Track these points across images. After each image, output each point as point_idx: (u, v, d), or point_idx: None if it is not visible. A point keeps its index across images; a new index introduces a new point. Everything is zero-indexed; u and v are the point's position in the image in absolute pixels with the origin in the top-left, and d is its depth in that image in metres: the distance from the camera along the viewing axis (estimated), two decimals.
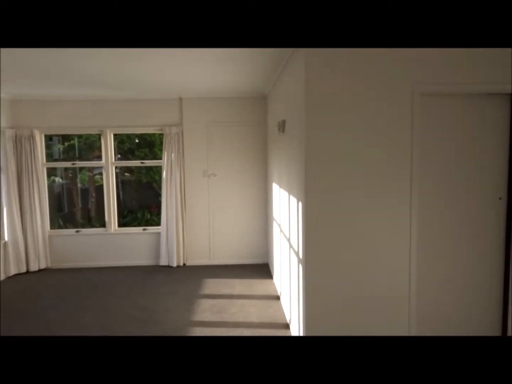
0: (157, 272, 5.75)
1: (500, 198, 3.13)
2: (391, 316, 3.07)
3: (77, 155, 6.45)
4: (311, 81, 2.90)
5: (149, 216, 6.67)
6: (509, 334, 3.19)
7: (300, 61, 3.07)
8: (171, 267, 5.97)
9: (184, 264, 6.09)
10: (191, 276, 5.54)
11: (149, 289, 5.04)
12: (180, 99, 5.93)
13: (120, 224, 6.33)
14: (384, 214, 3.00)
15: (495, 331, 3.26)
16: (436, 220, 3.12)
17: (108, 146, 6.06)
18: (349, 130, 2.93)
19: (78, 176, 6.61)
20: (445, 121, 3.06)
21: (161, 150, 6.16)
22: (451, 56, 2.93)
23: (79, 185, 6.68)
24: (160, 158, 6.16)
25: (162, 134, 6.05)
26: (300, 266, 3.22)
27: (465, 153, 3.09)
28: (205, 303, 4.50)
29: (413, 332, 3.09)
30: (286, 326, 3.87)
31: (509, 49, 2.91)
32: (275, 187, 4.96)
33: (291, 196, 3.69)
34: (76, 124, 5.95)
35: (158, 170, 6.44)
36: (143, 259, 6.16)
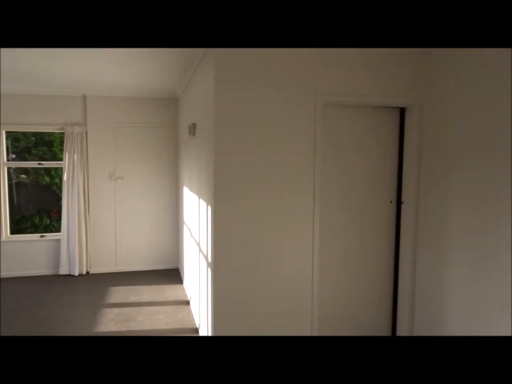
0: (56, 282, 5.32)
1: (390, 202, 3.45)
2: (295, 316, 3.20)
3: None
4: (221, 84, 2.92)
5: (48, 222, 6.16)
6: (398, 333, 3.51)
7: (210, 64, 3.08)
8: (73, 276, 5.57)
9: (87, 272, 5.72)
10: (95, 284, 5.22)
11: (47, 300, 4.64)
12: (84, 96, 5.58)
13: (14, 231, 5.75)
14: (290, 218, 3.12)
15: (387, 329, 3.57)
16: (335, 222, 3.33)
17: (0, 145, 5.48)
18: (257, 135, 3.00)
19: None
20: (344, 130, 3.29)
21: (61, 150, 5.73)
22: (350, 70, 3.15)
23: None
24: (61, 159, 5.72)
25: (63, 133, 5.62)
26: (209, 270, 3.21)
27: (362, 160, 3.35)
28: (110, 313, 4.27)
29: (315, 331, 3.24)
30: (195, 331, 3.83)
31: (400, 66, 3.22)
32: (186, 191, 4.90)
33: (201, 200, 3.67)
34: None
35: (58, 172, 5.98)
36: (40, 269, 5.65)
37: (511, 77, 2.47)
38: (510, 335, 2.47)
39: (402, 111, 3.40)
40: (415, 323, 3.38)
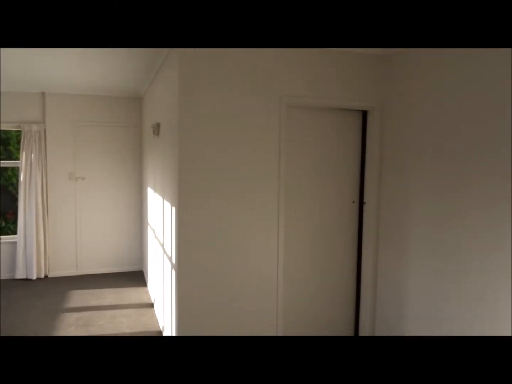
0: (12, 287, 5.08)
1: (353, 202, 3.53)
2: (260, 317, 3.20)
3: None
4: (185, 85, 2.89)
5: (4, 224, 5.88)
6: (360, 333, 3.59)
7: (174, 63, 3.04)
8: (30, 280, 5.33)
9: (46, 276, 5.50)
10: (54, 288, 5.03)
11: (2, 306, 4.42)
12: (43, 93, 5.37)
13: None
14: (255, 219, 3.12)
15: (350, 329, 3.64)
16: (300, 222, 3.37)
17: None
18: (221, 136, 2.99)
19: None
20: (308, 132, 3.34)
21: (18, 149, 5.48)
22: (314, 72, 3.20)
23: None
24: (17, 159, 5.47)
25: (19, 132, 5.38)
26: (173, 271, 3.17)
27: (325, 161, 3.41)
28: (70, 317, 4.12)
29: (280, 331, 3.26)
30: (159, 334, 3.76)
31: (362, 69, 3.30)
32: (150, 192, 4.81)
33: (165, 201, 3.62)
34: None
35: (15, 172, 5.72)
36: None
37: (469, 79, 2.58)
38: (465, 329, 2.58)
39: (364, 114, 3.48)
40: (376, 323, 3.46)
